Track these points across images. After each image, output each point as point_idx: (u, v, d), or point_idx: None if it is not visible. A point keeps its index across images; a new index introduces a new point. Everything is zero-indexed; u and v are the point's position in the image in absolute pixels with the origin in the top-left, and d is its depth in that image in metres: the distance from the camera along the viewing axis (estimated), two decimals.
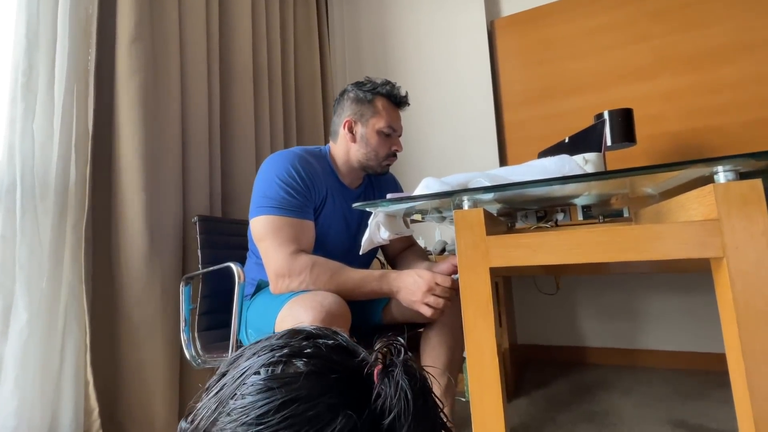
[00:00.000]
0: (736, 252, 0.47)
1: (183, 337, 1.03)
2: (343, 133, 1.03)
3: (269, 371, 0.30)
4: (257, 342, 0.35)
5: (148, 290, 1.09)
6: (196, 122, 1.35)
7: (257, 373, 0.30)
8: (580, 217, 1.41)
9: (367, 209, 0.77)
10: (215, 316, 1.12)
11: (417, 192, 0.71)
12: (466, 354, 0.60)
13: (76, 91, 1.05)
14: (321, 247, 0.96)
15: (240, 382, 0.30)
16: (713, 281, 0.53)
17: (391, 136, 1.03)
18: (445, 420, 0.34)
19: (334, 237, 1.01)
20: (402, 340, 0.35)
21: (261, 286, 0.98)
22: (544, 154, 1.35)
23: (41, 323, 0.91)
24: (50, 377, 0.92)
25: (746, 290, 0.46)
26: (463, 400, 1.49)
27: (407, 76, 2.18)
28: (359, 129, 1.02)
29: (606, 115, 1.39)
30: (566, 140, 1.21)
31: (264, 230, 0.89)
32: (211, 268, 1.00)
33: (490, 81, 1.98)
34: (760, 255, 0.46)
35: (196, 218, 1.17)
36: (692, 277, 1.69)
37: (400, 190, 1.24)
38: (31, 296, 0.90)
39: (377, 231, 0.85)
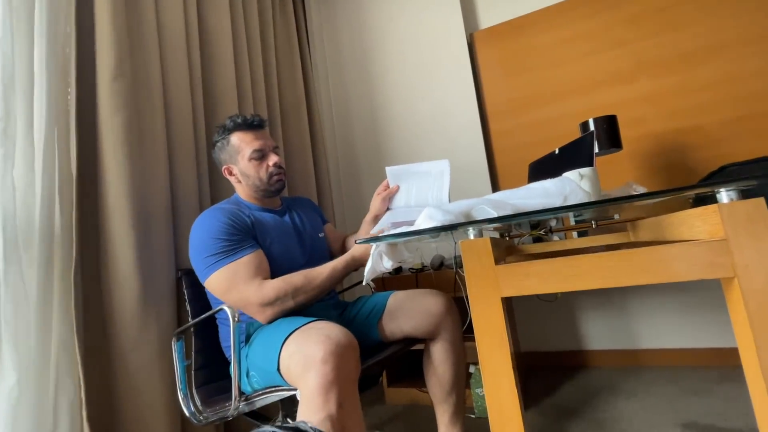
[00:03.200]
0: (746, 271, 0.48)
1: (180, 395, 1.00)
2: (230, 179, 1.14)
3: None
4: None
5: (144, 334, 1.05)
6: (184, 155, 1.32)
7: None
8: (573, 222, 1.43)
9: (370, 243, 0.76)
10: (212, 370, 1.09)
11: (420, 221, 0.70)
12: (484, 390, 0.59)
13: (56, 133, 1.02)
14: (277, 264, 1.01)
15: None
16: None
17: (264, 156, 1.10)
18: None
19: (284, 250, 1.06)
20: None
21: (251, 332, 0.97)
22: (535, 166, 1.36)
23: (32, 382, 0.86)
24: None
25: (761, 309, 0.47)
26: (473, 416, 1.47)
27: (391, 91, 2.19)
28: (236, 169, 1.11)
29: (591, 124, 1.42)
30: (556, 151, 1.23)
31: (225, 283, 0.93)
32: (203, 316, 0.98)
33: (473, 92, 2.01)
34: None
35: (180, 273, 1.16)
36: None
37: (317, 206, 1.39)
38: (20, 355, 0.85)
39: (380, 260, 0.84)
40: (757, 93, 1.58)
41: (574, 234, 1.37)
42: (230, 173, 1.13)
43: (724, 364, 1.61)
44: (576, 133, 1.73)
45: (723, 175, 1.30)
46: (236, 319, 0.88)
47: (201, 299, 1.11)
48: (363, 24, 2.28)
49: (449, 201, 1.07)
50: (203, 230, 0.99)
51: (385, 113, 2.20)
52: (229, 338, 1.00)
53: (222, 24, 1.60)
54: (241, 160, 1.09)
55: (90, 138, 1.09)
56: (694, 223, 0.57)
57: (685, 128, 1.67)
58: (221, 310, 0.94)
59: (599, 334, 1.83)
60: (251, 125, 1.11)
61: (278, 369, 0.80)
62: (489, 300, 0.59)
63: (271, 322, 0.93)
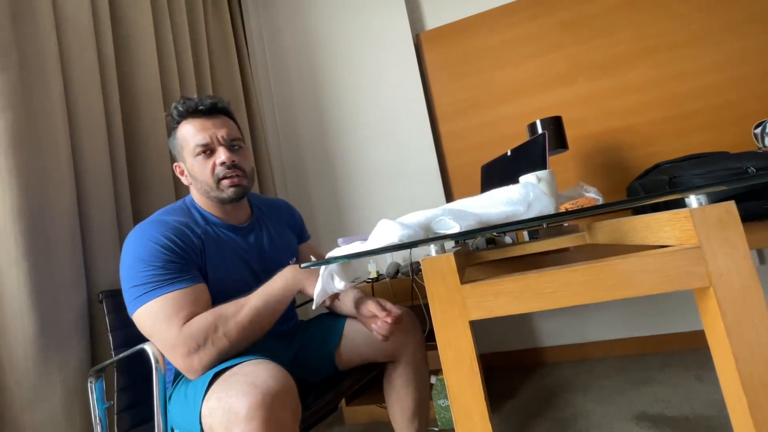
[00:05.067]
0: (721, 280, 0.45)
1: None
2: (182, 181, 0.92)
3: None
4: None
5: (43, 388, 0.86)
6: (94, 161, 1.12)
7: None
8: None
9: (318, 266, 0.66)
10: (139, 411, 0.92)
11: (374, 235, 0.62)
12: (454, 426, 0.52)
13: None
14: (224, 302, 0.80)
15: None
16: None
17: (211, 152, 0.86)
18: None
19: (236, 285, 0.85)
20: None
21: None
22: (487, 168, 1.34)
23: None
24: None
25: (738, 320, 0.44)
26: (436, 430, 1.41)
27: (338, 93, 2.09)
28: (185, 167, 0.89)
29: (538, 124, 1.43)
30: (508, 153, 1.21)
31: (149, 322, 0.74)
32: (122, 354, 0.81)
33: (422, 93, 1.97)
34: (744, 280, 0.44)
35: (101, 295, 0.96)
36: None
37: (299, 217, 1.15)
38: None
39: (331, 281, 0.74)
40: (679, 95, 1.70)
41: (525, 234, 1.36)
42: (181, 173, 0.91)
43: (663, 350, 1.71)
44: (523, 134, 1.75)
45: (659, 171, 1.37)
46: (160, 363, 0.73)
47: (126, 326, 0.93)
48: (306, 24, 2.15)
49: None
50: (133, 252, 0.78)
51: (332, 115, 2.10)
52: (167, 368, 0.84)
53: (141, 15, 1.40)
54: (188, 157, 0.87)
55: None
56: (661, 228, 0.54)
57: (620, 128, 1.76)
58: (141, 349, 0.78)
59: (551, 331, 1.87)
60: (196, 111, 0.86)
61: (201, 430, 0.66)
62: (456, 325, 0.52)
63: (203, 370, 0.72)
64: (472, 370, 0.51)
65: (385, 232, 0.58)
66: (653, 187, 1.31)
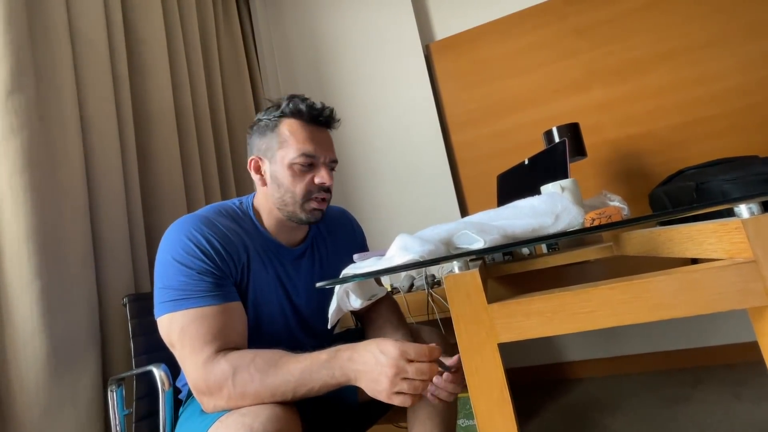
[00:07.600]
0: None
1: None
2: (253, 177, 0.81)
3: None
4: None
5: (54, 410, 0.84)
6: (107, 179, 1.13)
7: None
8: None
9: (333, 286, 0.63)
10: (157, 420, 0.89)
11: (392, 251, 0.59)
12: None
13: None
14: (254, 335, 0.72)
15: None
16: None
17: (312, 167, 0.77)
18: None
19: (272, 316, 0.76)
20: None
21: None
22: (504, 177, 1.30)
23: None
24: None
25: None
26: None
27: (348, 106, 2.09)
28: (268, 167, 0.79)
29: (555, 132, 1.39)
30: (526, 162, 1.17)
31: (170, 333, 0.66)
32: (132, 372, 0.79)
33: (433, 104, 1.95)
34: None
35: (125, 299, 0.95)
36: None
37: (359, 234, 1.03)
38: None
39: (346, 298, 0.71)
40: (700, 99, 1.65)
41: (543, 245, 1.31)
42: (257, 170, 0.80)
43: (695, 365, 1.62)
44: (537, 142, 1.71)
45: (684, 177, 1.31)
46: (166, 386, 0.70)
47: (148, 332, 0.91)
48: (316, 36, 2.17)
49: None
50: (171, 249, 0.69)
51: (343, 127, 2.08)
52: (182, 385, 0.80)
53: (155, 33, 1.42)
54: (280, 160, 0.76)
55: None
56: (705, 239, 0.50)
57: (639, 134, 1.71)
58: (149, 371, 0.75)
59: (577, 345, 1.79)
60: (315, 118, 0.79)
61: None
62: (483, 348, 0.49)
63: (212, 413, 0.64)
64: (503, 398, 0.47)
65: (405, 248, 0.55)
66: (679, 195, 1.24)
